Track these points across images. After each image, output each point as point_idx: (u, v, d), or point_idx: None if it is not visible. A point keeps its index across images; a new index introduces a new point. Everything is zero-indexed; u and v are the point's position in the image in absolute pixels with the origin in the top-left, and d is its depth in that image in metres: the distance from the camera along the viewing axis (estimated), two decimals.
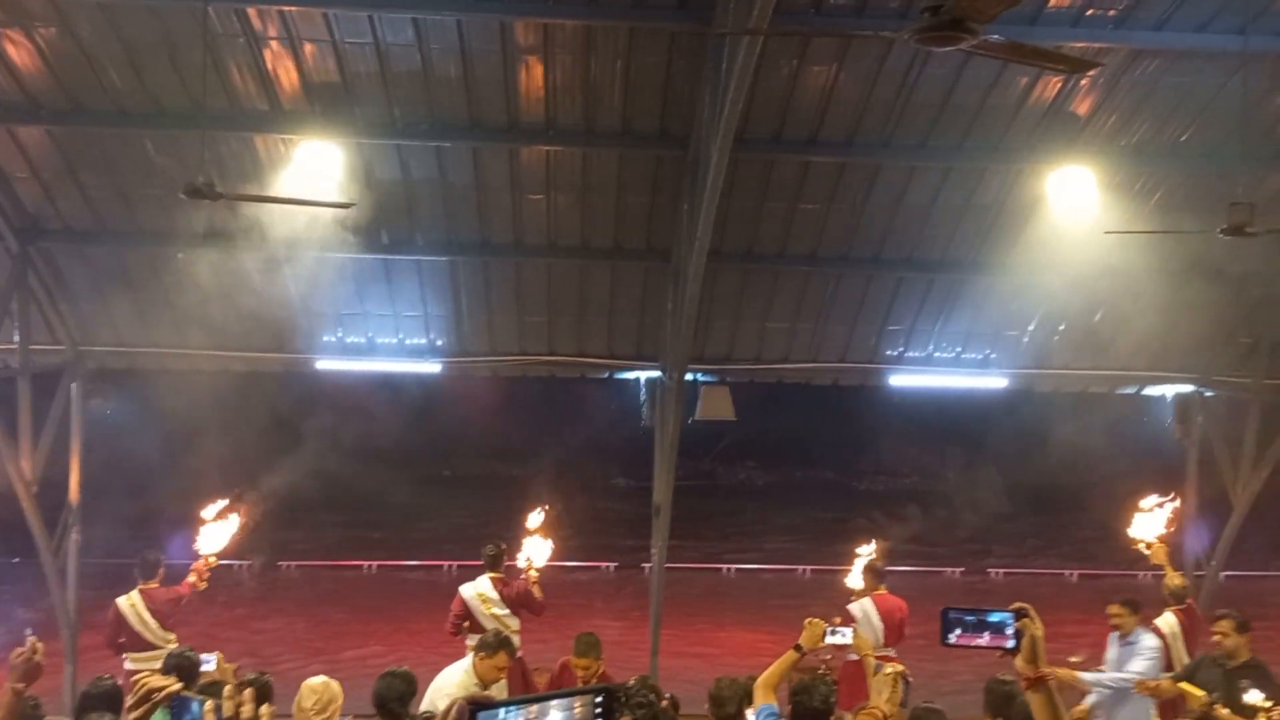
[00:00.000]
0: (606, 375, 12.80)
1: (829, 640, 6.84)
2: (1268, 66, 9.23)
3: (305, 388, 15.70)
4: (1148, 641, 8.38)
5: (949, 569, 23.16)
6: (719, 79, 8.27)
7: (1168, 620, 9.57)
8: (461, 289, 11.60)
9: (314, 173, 9.76)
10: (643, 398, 12.42)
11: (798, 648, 5.70)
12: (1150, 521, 9.85)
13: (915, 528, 24.26)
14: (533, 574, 9.49)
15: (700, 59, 9.08)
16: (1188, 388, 12.78)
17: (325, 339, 11.98)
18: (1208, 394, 12.61)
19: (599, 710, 1.59)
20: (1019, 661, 2.79)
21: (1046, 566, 22.99)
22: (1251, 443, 11.85)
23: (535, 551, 9.65)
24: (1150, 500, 9.88)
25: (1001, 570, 23.07)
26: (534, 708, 1.59)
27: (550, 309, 11.83)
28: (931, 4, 3.92)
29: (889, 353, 12.65)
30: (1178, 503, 9.71)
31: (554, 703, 1.57)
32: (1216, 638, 7.40)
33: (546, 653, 9.94)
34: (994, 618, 2.79)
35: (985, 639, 2.78)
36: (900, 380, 13.11)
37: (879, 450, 30.11)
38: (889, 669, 3.14)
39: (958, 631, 2.83)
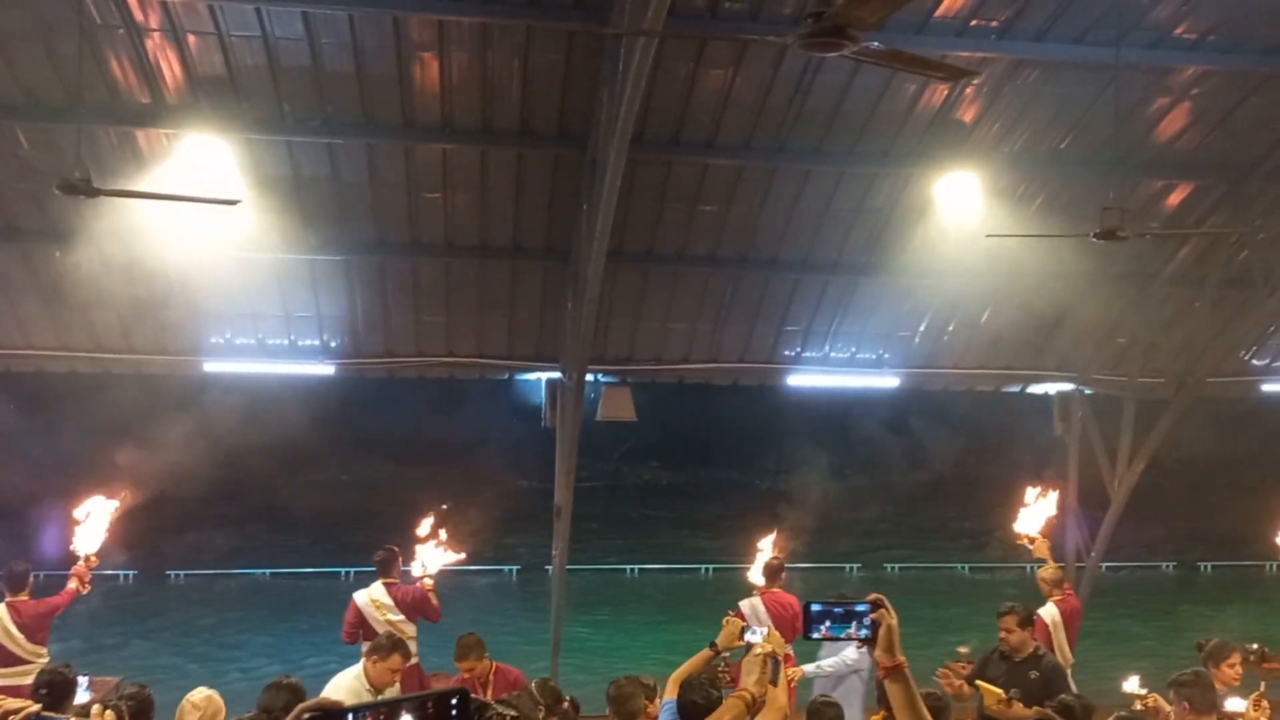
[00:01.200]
0: (506, 376, 12.71)
1: (746, 638, 6.89)
2: (1139, 78, 9.66)
3: (194, 390, 15.19)
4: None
5: (847, 564, 23.65)
6: (616, 79, 8.28)
7: (1049, 610, 9.94)
8: (356, 289, 11.38)
9: (199, 169, 9.45)
10: (543, 399, 12.36)
11: (713, 645, 5.72)
12: (1033, 516, 10.21)
13: (815, 524, 24.73)
14: (427, 582, 9.35)
15: (598, 59, 9.08)
16: (1068, 386, 13.29)
17: (213, 340, 11.61)
18: (1087, 391, 13.14)
19: (455, 712, 1.56)
20: (876, 652, 2.83)
21: (940, 560, 23.66)
22: (1127, 438, 12.38)
23: (430, 558, 9.50)
24: (1033, 495, 10.24)
25: (897, 565, 23.63)
26: (384, 711, 1.55)
27: (448, 309, 11.69)
28: (815, 10, 4.00)
29: (787, 353, 12.85)
30: (1057, 497, 10.03)
31: (405, 705, 1.54)
32: (1002, 633, 7.64)
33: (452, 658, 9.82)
34: (853, 609, 2.83)
35: (851, 630, 2.81)
36: (798, 380, 13.33)
37: (781, 448, 30.59)
38: (758, 649, 3.17)
39: (822, 625, 2.84)
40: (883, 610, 2.76)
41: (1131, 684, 7.02)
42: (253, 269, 10.91)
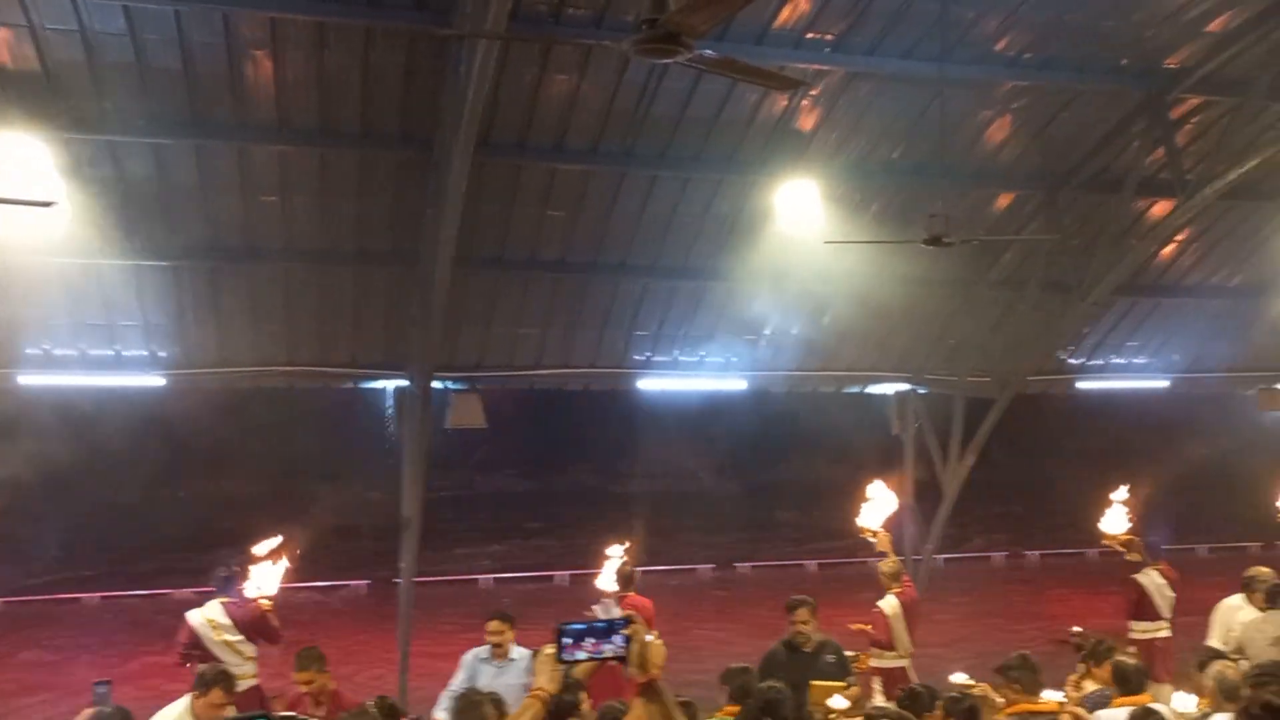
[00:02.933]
0: (351, 385, 12.36)
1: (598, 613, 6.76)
2: (963, 92, 10.18)
3: (10, 407, 14.18)
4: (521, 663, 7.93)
5: (702, 566, 23.98)
6: (459, 82, 8.18)
7: (890, 602, 10.37)
8: (187, 296, 10.85)
9: (11, 168, 8.83)
10: (390, 407, 12.08)
11: (537, 692, 4.93)
12: (874, 511, 10.60)
13: (671, 527, 25.01)
14: (264, 603, 9.01)
15: (442, 61, 8.95)
16: (904, 386, 13.87)
17: (29, 352, 10.87)
18: (921, 391, 13.74)
19: None
20: (629, 668, 2.77)
21: (792, 557, 24.23)
22: (957, 435, 13.00)
23: (266, 579, 9.15)
24: (873, 490, 10.63)
25: (750, 563, 24.10)
26: None
27: (288, 316, 11.29)
28: (649, 17, 4.05)
29: (637, 357, 12.97)
30: (895, 492, 10.45)
31: None
32: (799, 625, 8.01)
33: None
34: (603, 625, 2.76)
35: (609, 648, 2.73)
36: (648, 384, 13.46)
37: (636, 453, 30.78)
38: (548, 648, 3.13)
39: (583, 643, 2.77)
40: (636, 626, 2.72)
41: (959, 676, 7.37)
42: (72, 276, 10.27)
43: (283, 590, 9.22)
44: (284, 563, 9.30)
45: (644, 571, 21.87)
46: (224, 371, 11.52)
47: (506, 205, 10.79)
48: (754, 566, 24.00)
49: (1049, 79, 10.07)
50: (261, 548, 9.36)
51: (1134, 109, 10.55)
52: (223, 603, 8.97)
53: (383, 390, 12.22)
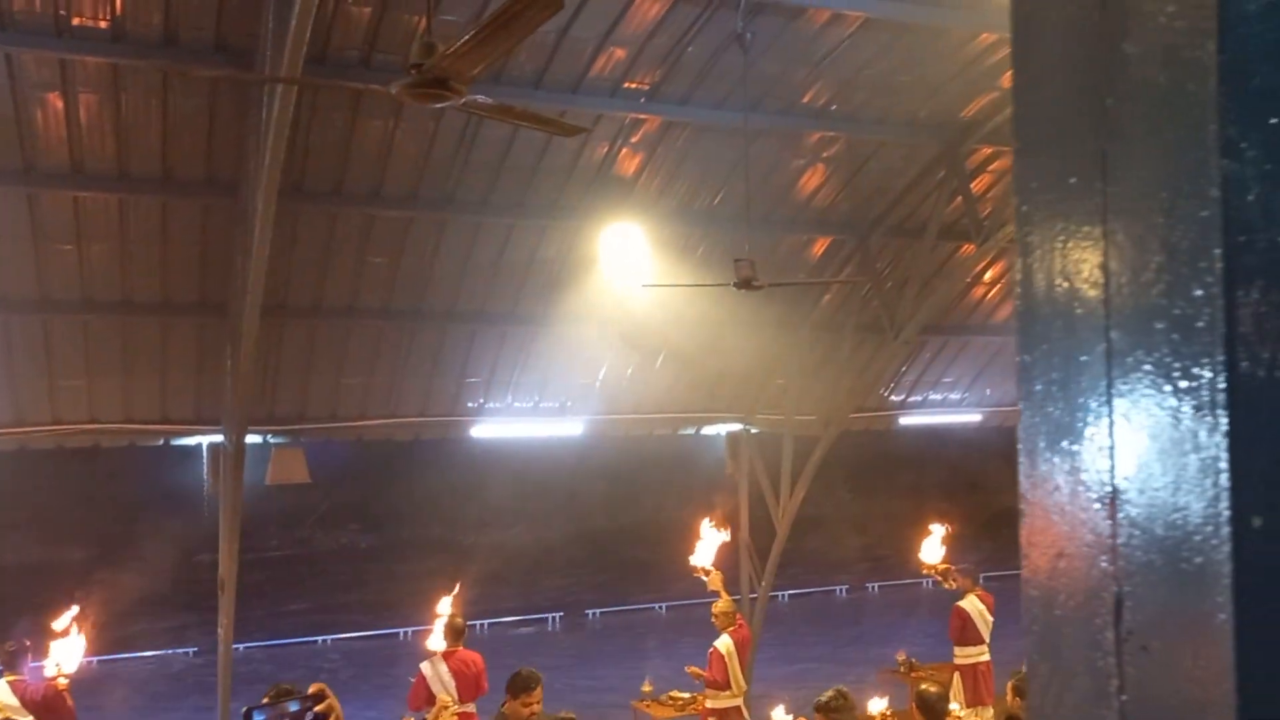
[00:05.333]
0: (161, 442, 11.73)
1: None
2: (775, 141, 10.53)
3: None
4: None
5: (549, 614, 23.70)
6: (261, 127, 7.95)
7: (724, 641, 10.43)
8: None
9: None
10: (205, 464, 11.51)
11: None
12: (706, 549, 10.68)
13: (518, 577, 24.65)
14: (61, 682, 8.38)
15: (246, 104, 8.70)
16: (736, 426, 14.11)
17: None
18: (753, 431, 14.00)
19: None
20: None
21: (639, 601, 24.21)
22: (787, 473, 13.29)
23: (64, 655, 8.52)
24: (705, 529, 10.72)
25: (599, 610, 23.96)
26: None
27: (89, 371, 10.65)
28: (417, 61, 4.01)
29: (469, 405, 12.78)
30: (725, 531, 10.56)
31: None
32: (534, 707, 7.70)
33: None
34: (295, 706, 2.63)
35: None
36: (481, 431, 13.26)
37: (484, 503, 30.31)
38: None
39: None
40: (328, 702, 2.62)
41: (779, 713, 7.47)
42: None
43: (100, 663, 8.61)
44: (80, 636, 8.69)
45: (491, 623, 21.57)
46: (19, 431, 10.76)
47: (324, 252, 10.52)
48: (603, 613, 23.88)
49: (853, 131, 10.52)
50: (61, 620, 8.74)
51: (933, 159, 11.14)
52: (10, 680, 8.29)
53: (195, 446, 11.61)
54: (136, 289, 10.17)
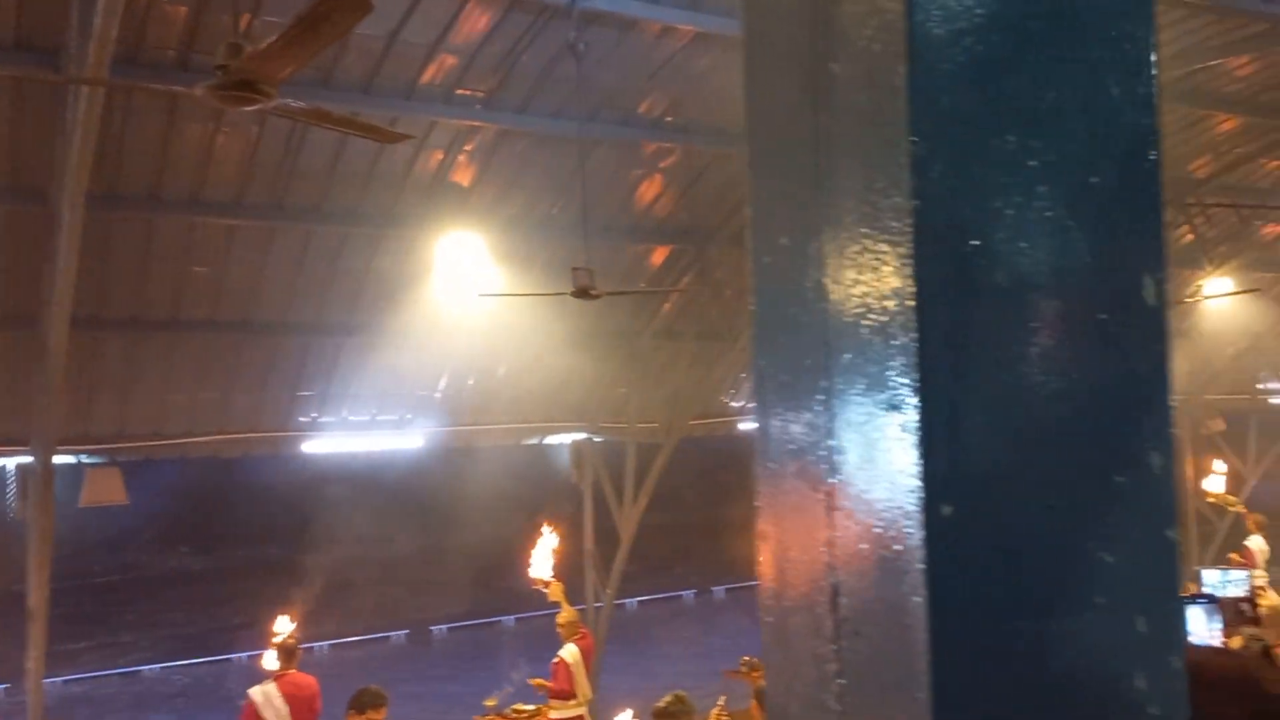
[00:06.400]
0: None
1: None
2: (613, 151, 10.63)
3: None
4: None
5: (394, 632, 23.17)
6: (68, 130, 7.51)
7: (570, 650, 10.42)
8: None
9: None
10: (11, 486, 10.75)
11: None
12: (544, 560, 10.64)
13: (362, 595, 23.97)
14: None
15: (55, 107, 8.19)
16: (580, 435, 14.14)
17: None
18: (596, 439, 14.06)
19: None
20: None
21: (488, 614, 23.94)
22: (630, 481, 13.40)
23: None
24: (542, 540, 10.68)
25: (445, 625, 23.56)
26: None
27: None
28: (223, 62, 3.87)
29: (303, 419, 12.37)
30: (557, 540, 10.53)
31: None
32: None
33: None
34: None
35: None
36: (315, 446, 12.86)
37: (325, 521, 29.36)
38: None
39: None
40: None
41: (624, 717, 7.52)
42: None
43: None
44: None
45: (333, 644, 20.90)
46: None
47: (141, 261, 10.00)
48: (450, 628, 23.50)
49: (689, 141, 10.72)
50: None
51: None
52: None
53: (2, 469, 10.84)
54: None
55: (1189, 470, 18.17)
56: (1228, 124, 12.98)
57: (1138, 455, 0.89)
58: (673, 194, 11.72)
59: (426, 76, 9.06)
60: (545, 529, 10.37)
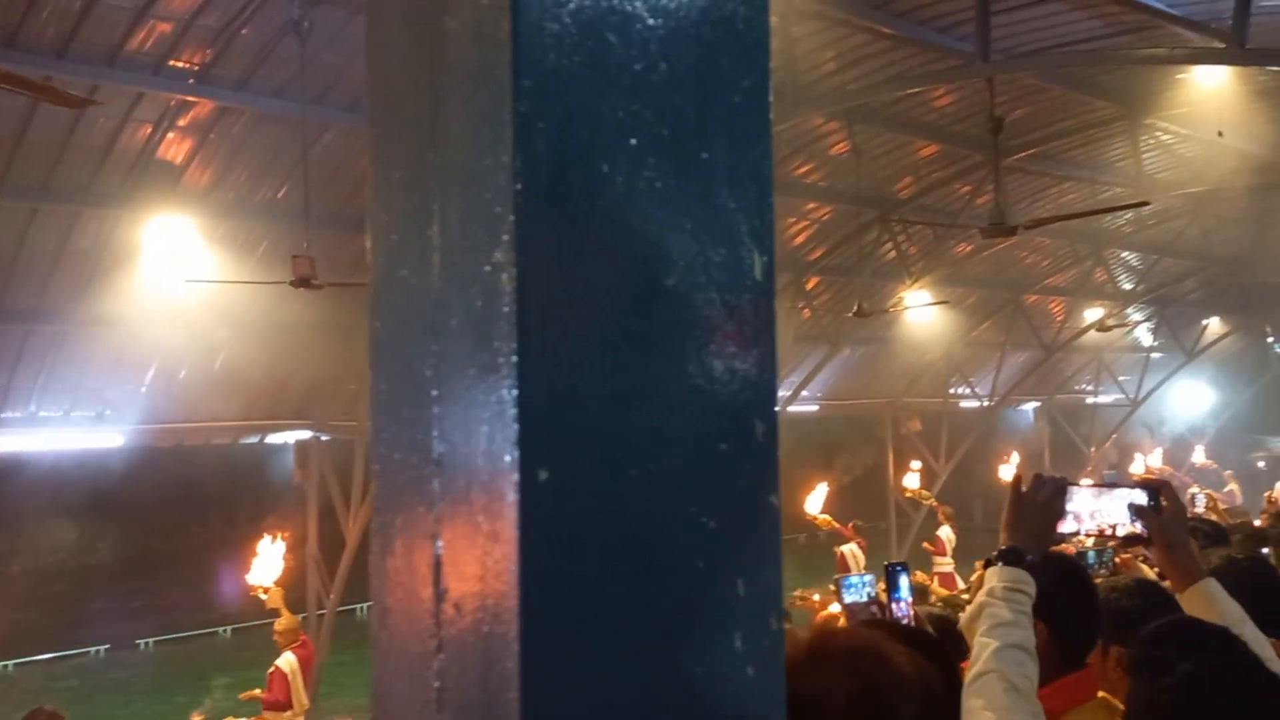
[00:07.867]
0: None
1: None
2: (346, 137, 10.24)
3: None
4: None
5: (94, 647, 21.26)
6: None
7: (288, 659, 9.95)
8: None
9: None
10: None
11: None
12: (265, 566, 10.10)
13: (54, 610, 21.79)
14: None
15: None
16: (306, 434, 13.53)
17: None
18: (324, 438, 13.50)
19: None
20: None
21: (200, 626, 22.45)
22: (359, 481, 12.97)
23: None
24: (264, 545, 10.13)
25: (152, 639, 21.88)
26: None
27: None
28: None
29: None
30: (282, 545, 10.05)
31: None
32: None
33: None
34: None
35: None
36: None
37: (11, 527, 26.44)
38: None
39: None
40: None
41: None
42: None
43: None
44: None
45: (21, 663, 18.89)
46: None
47: None
48: (159, 641, 21.82)
49: None
50: None
51: None
52: None
53: None
54: None
55: (890, 467, 19.85)
56: (928, 150, 14.25)
57: (741, 424, 0.91)
58: None
59: (134, 44, 8.36)
60: (267, 537, 9.85)
